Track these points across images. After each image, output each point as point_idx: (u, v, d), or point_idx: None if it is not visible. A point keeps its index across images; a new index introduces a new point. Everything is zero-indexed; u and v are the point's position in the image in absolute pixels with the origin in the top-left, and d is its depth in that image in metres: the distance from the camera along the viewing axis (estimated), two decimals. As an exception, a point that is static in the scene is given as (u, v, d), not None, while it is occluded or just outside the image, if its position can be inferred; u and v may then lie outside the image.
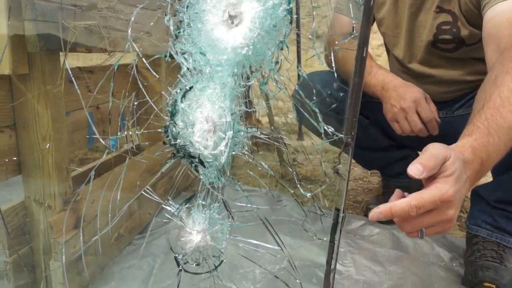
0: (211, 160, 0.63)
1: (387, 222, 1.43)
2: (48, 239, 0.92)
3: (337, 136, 0.58)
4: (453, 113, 1.32)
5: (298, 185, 0.69)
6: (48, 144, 0.82)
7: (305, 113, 0.61)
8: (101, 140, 0.78)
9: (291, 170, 1.80)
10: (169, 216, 0.68)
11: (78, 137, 1.06)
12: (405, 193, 0.69)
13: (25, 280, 0.94)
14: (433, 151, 0.63)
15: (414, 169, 0.62)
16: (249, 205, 0.74)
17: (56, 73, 0.87)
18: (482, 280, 1.06)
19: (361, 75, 0.51)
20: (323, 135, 0.60)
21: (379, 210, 0.62)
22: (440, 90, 1.30)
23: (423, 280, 1.12)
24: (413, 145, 1.49)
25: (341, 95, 1.19)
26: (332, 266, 0.62)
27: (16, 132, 0.88)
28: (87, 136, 1.11)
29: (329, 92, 1.21)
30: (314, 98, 0.63)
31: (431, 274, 1.16)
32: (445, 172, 0.63)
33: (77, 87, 0.81)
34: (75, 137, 1.05)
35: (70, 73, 0.76)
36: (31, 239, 0.94)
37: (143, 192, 0.74)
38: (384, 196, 1.52)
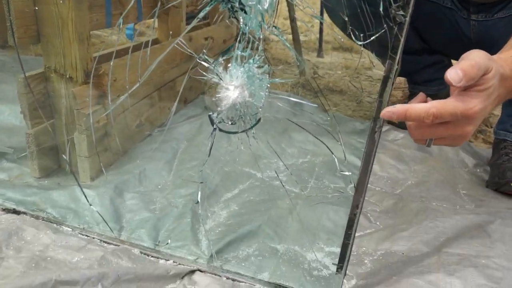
0: (253, 3, 0.57)
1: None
2: (70, 111, 0.89)
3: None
4: (492, 16, 1.22)
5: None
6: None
7: None
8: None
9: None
10: (204, 72, 0.63)
11: (96, 15, 0.99)
12: (428, 98, 0.63)
13: (48, 155, 0.93)
14: (477, 59, 0.54)
15: (453, 74, 0.53)
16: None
17: None
18: (510, 180, 1.04)
19: None
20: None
21: (393, 110, 0.56)
22: None
23: (448, 180, 1.10)
24: (447, 52, 1.41)
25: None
26: (379, 124, 0.58)
27: (33, -8, 0.81)
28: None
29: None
30: None
31: (455, 176, 1.14)
32: (480, 85, 0.55)
33: None
34: (93, 14, 0.98)
35: None
36: (53, 112, 0.91)
37: (175, 46, 0.69)
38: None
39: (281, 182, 0.88)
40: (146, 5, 1.21)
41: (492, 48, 1.27)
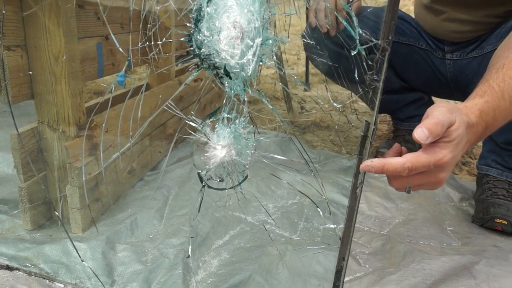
0: (237, 71, 0.61)
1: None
2: (63, 164, 0.91)
3: (372, 42, 0.55)
4: (466, 55, 1.28)
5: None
6: (64, 56, 0.79)
7: (343, 21, 0.58)
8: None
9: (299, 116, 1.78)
10: (192, 132, 0.66)
11: (88, 68, 1.03)
12: (403, 148, 0.68)
13: (40, 208, 0.94)
14: (440, 117, 0.60)
15: (420, 133, 0.59)
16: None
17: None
18: (494, 217, 1.07)
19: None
20: (358, 41, 0.57)
21: (372, 164, 0.61)
22: (454, 28, 1.25)
23: (434, 216, 1.13)
24: (426, 89, 1.47)
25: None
26: (360, 180, 0.61)
27: (27, 53, 0.84)
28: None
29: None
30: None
31: (442, 212, 1.17)
32: (447, 137, 0.61)
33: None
34: (85, 67, 1.02)
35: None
36: (45, 165, 0.93)
37: (165, 107, 0.72)
38: (394, 140, 1.51)
39: (268, 234, 0.89)
40: (135, 53, 1.25)
41: (468, 85, 1.33)
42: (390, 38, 0.54)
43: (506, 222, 1.06)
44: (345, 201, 1.15)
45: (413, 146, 1.48)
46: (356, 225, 1.08)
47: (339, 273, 0.65)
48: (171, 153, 1.36)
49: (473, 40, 1.26)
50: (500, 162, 1.19)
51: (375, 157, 1.48)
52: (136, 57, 0.82)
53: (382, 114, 1.98)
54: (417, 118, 1.48)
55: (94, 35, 1.04)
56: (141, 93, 0.70)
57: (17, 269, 0.80)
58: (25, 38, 0.83)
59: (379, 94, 0.57)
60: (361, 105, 2.08)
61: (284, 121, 1.57)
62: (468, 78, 1.27)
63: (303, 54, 2.95)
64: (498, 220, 1.07)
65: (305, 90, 2.33)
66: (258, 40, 0.58)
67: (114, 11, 1.12)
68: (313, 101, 2.12)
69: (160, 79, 1.38)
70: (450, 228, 1.10)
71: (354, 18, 0.56)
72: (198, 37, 0.61)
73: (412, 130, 1.68)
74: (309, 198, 0.76)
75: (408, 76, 1.40)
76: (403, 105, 1.47)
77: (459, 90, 1.34)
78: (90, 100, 1.80)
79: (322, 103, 2.04)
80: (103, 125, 0.88)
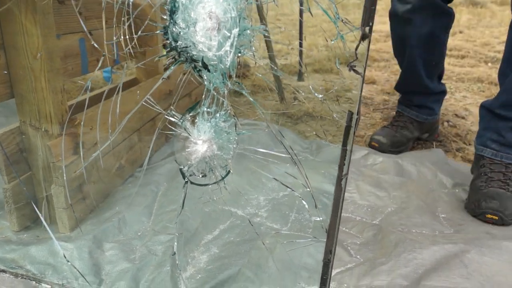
0: (215, 63, 0.59)
1: (390, 151, 1.41)
2: (48, 164, 0.89)
3: (355, 28, 0.53)
4: None
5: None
6: (39, 53, 0.77)
7: (321, 7, 0.56)
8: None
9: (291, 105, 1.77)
10: (172, 128, 0.64)
11: (71, 64, 1.01)
12: None
13: (26, 209, 0.93)
14: None
15: None
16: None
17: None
18: (485, 212, 1.06)
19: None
20: (337, 28, 0.55)
21: None
22: None
23: (427, 204, 1.12)
24: None
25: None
26: (344, 172, 0.60)
27: (5, 52, 0.82)
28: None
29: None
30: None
31: (435, 199, 1.16)
32: None
33: None
34: (68, 63, 1.00)
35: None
36: (30, 165, 0.91)
37: (143, 103, 0.70)
38: (392, 126, 1.48)
39: (254, 229, 0.88)
40: (122, 48, 1.23)
41: None
42: (370, 24, 0.52)
43: (497, 218, 1.04)
44: (337, 192, 1.14)
45: (411, 134, 1.47)
46: (348, 215, 1.07)
47: (326, 266, 0.64)
48: (162, 148, 1.35)
49: None
50: (496, 139, 1.16)
51: (369, 144, 1.47)
52: (112, 52, 0.80)
53: (376, 103, 1.97)
54: (425, 110, 1.47)
55: (76, 30, 1.02)
56: (116, 93, 0.69)
57: (3, 271, 0.79)
58: (2, 37, 0.81)
59: (361, 84, 0.55)
60: (355, 93, 2.06)
61: (266, 113, 1.55)
62: None
63: (296, 45, 2.92)
64: (489, 216, 1.05)
65: (298, 80, 2.31)
66: (236, 31, 0.56)
67: (96, 4, 1.10)
68: (306, 91, 2.10)
69: (148, 74, 1.36)
70: (443, 215, 1.09)
71: (334, 5, 0.54)
72: (173, 29, 0.59)
73: (415, 120, 1.65)
74: (294, 191, 0.74)
75: None
76: (423, 93, 1.46)
77: None
78: (79, 96, 1.77)
79: (305, 102, 2.02)
80: (82, 123, 0.87)
